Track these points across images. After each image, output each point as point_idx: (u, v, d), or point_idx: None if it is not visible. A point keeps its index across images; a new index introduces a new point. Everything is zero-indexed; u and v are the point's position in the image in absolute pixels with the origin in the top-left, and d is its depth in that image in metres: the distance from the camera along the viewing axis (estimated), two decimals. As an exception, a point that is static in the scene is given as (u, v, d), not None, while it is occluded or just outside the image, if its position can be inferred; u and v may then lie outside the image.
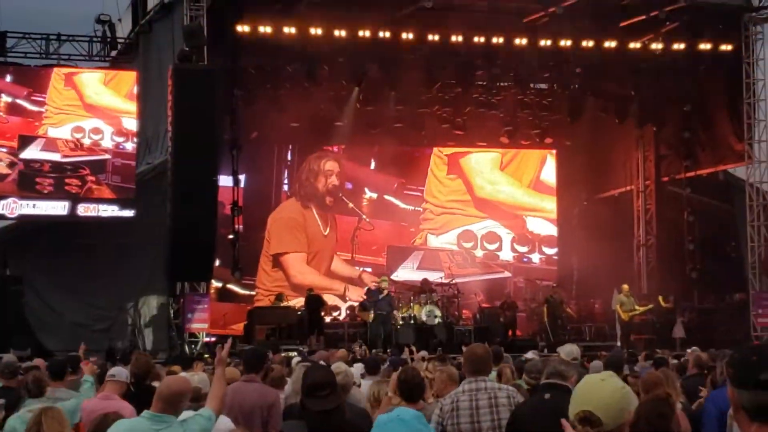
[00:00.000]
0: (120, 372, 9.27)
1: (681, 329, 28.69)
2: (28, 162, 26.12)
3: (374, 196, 34.29)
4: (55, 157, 26.32)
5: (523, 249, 35.35)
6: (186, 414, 7.34)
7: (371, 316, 27.73)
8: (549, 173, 35.78)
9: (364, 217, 33.67)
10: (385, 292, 27.69)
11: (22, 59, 27.05)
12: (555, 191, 35.68)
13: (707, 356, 12.41)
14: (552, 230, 35.64)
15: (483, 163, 35.36)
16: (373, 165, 34.52)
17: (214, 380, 7.09)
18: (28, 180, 25.96)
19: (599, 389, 4.08)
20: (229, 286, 31.03)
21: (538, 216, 35.62)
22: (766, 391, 3.56)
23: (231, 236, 28.58)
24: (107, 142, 26.59)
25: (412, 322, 27.59)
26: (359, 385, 10.94)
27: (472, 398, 7.91)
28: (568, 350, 11.80)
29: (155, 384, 8.96)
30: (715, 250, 30.72)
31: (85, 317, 26.08)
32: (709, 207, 31.14)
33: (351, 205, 33.67)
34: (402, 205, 34.39)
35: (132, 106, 26.70)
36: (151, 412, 6.73)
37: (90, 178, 26.29)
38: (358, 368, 12.34)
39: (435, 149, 34.88)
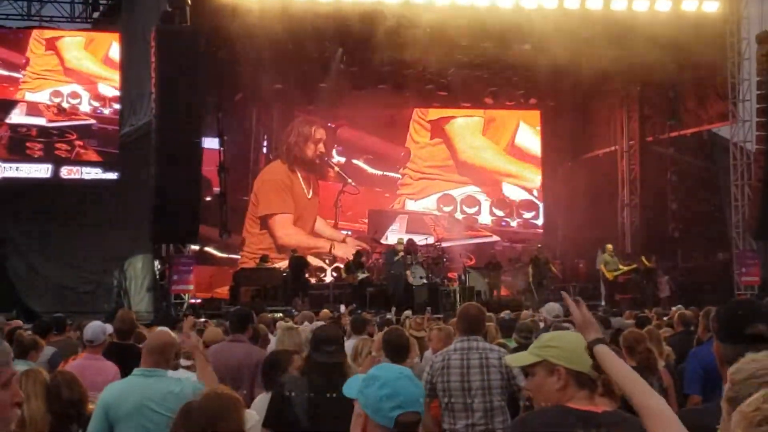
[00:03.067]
0: (97, 335, 9.22)
1: (666, 288, 28.82)
2: (15, 127, 26.09)
3: (358, 162, 34.53)
4: (41, 121, 26.37)
5: (500, 213, 35.54)
6: (180, 373, 7.35)
7: (358, 277, 27.82)
8: (528, 137, 35.86)
9: (350, 181, 33.78)
10: (400, 254, 27.79)
11: (3, 21, 26.89)
12: (531, 157, 35.76)
13: (692, 313, 12.47)
14: (525, 195, 35.81)
15: (466, 128, 35.55)
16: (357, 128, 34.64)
17: (198, 370, 7.07)
18: (17, 144, 25.97)
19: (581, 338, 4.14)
20: (208, 249, 30.98)
21: (514, 183, 35.80)
22: (751, 345, 3.59)
23: (218, 198, 28.52)
24: (85, 107, 26.64)
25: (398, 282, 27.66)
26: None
27: (463, 357, 7.94)
28: (550, 308, 11.88)
29: (138, 346, 8.96)
30: (698, 209, 30.78)
31: (70, 280, 26.07)
32: (693, 167, 31.18)
33: (337, 169, 33.85)
34: (380, 173, 34.70)
35: (108, 72, 26.73)
36: (143, 368, 6.74)
37: (78, 142, 26.33)
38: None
39: (416, 113, 35.03)
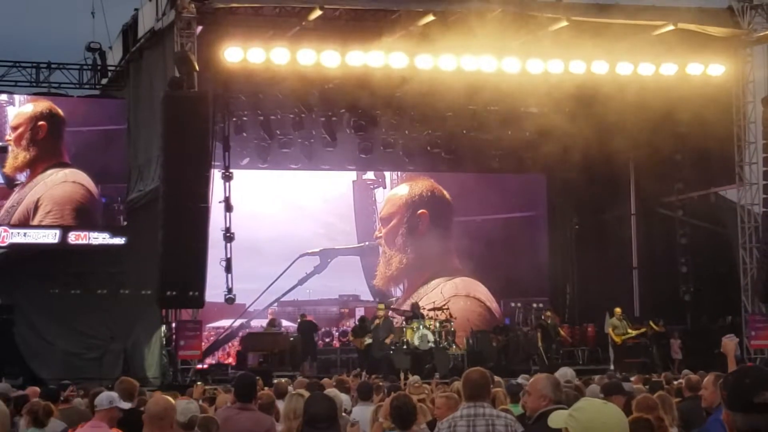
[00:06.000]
0: (101, 401, 9.18)
1: (677, 351, 28.65)
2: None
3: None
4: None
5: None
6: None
7: (365, 342, 27.66)
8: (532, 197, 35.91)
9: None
10: (377, 321, 27.59)
11: (12, 88, 27.00)
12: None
13: (699, 378, 12.33)
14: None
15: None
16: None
17: None
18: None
19: (613, 412, 4.19)
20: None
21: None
22: (760, 414, 3.54)
23: (223, 263, 28.42)
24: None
25: (404, 347, 27.42)
26: (350, 413, 10.88)
27: (469, 424, 7.87)
28: (563, 373, 11.74)
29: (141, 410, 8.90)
30: (707, 272, 30.68)
31: (76, 346, 25.98)
32: (701, 229, 31.13)
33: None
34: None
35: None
36: None
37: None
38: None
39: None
